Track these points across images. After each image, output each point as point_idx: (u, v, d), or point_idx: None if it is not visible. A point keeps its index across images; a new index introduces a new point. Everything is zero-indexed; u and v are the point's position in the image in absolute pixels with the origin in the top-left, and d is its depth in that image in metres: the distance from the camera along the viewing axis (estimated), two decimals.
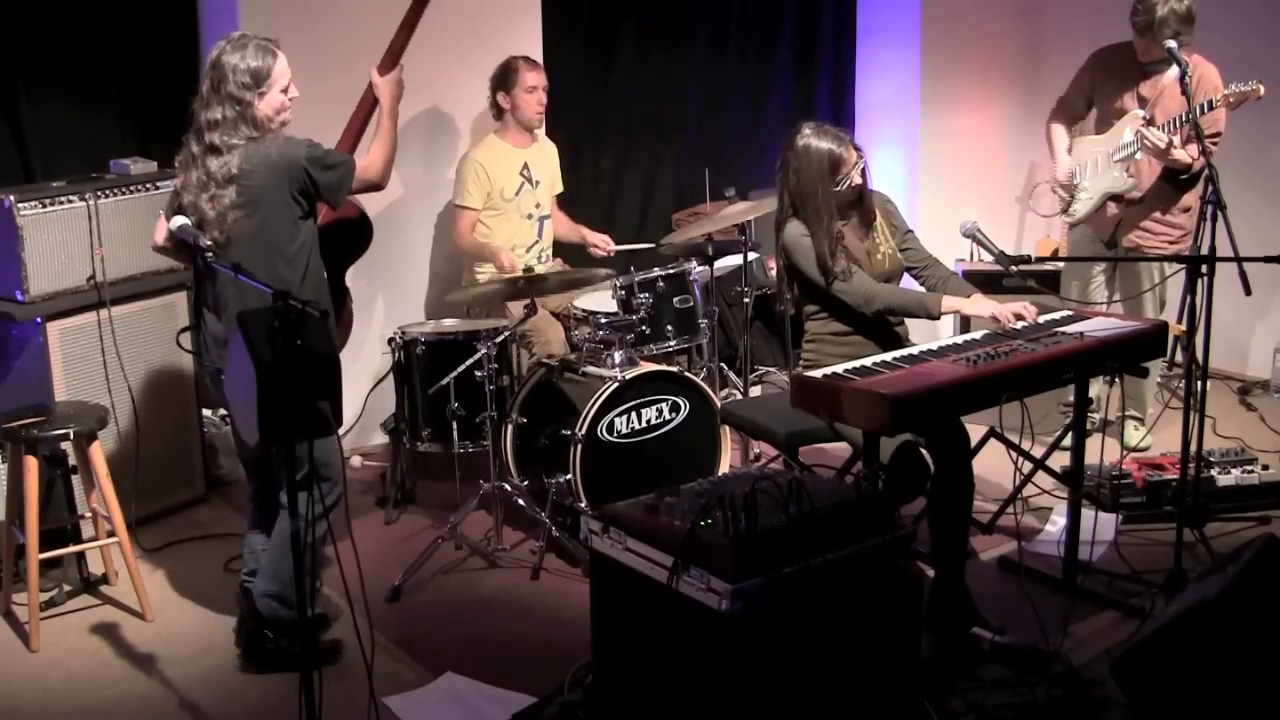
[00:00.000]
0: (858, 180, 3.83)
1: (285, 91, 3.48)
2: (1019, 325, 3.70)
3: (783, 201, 3.87)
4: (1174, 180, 4.76)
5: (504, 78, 5.01)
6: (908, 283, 4.07)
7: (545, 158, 5.18)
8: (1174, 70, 4.49)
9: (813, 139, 3.79)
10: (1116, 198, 4.88)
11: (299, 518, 2.90)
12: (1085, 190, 4.95)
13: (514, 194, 5.02)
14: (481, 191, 4.96)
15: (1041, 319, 3.81)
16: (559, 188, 5.29)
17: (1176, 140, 4.60)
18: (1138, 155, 4.75)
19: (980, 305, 3.75)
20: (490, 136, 5.09)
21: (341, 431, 2.91)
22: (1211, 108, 4.48)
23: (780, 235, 3.86)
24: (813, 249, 3.77)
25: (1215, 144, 4.62)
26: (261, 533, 3.70)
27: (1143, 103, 4.77)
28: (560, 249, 5.36)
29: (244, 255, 3.37)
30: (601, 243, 5.29)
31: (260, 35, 3.46)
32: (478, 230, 5.01)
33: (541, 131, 5.21)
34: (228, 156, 3.38)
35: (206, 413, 4.94)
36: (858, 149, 3.84)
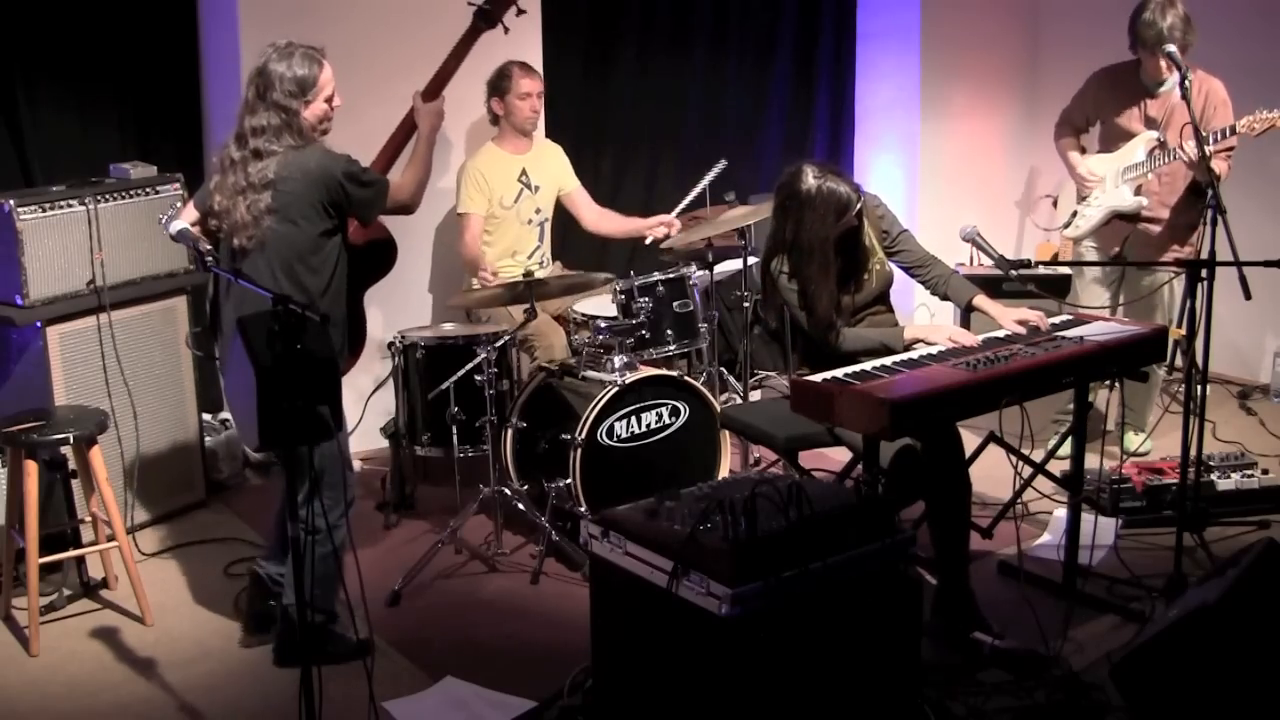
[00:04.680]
0: (855, 222, 3.71)
1: (329, 100, 3.53)
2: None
3: (777, 241, 3.75)
4: (1193, 205, 4.72)
5: (498, 83, 5.00)
6: (905, 282, 4.06)
7: (546, 161, 5.16)
8: (1176, 78, 4.48)
9: (819, 182, 3.60)
10: (1125, 216, 4.87)
11: (297, 521, 2.91)
12: (1090, 205, 4.93)
13: (513, 201, 5.02)
14: (483, 197, 4.96)
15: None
16: (568, 187, 5.23)
17: (1209, 150, 4.53)
18: (1149, 175, 4.75)
19: (938, 331, 3.72)
20: (488, 144, 5.08)
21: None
22: (1233, 133, 4.47)
23: (767, 270, 3.80)
24: (801, 305, 3.72)
25: (1230, 154, 4.62)
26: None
27: (1151, 123, 4.76)
28: (565, 249, 5.34)
29: (270, 260, 3.44)
30: (665, 224, 5.11)
31: (306, 44, 3.50)
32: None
33: (541, 134, 5.21)
34: (267, 161, 3.43)
35: (206, 417, 4.94)
36: (857, 188, 3.68)
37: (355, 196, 3.52)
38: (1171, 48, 4.35)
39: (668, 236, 5.08)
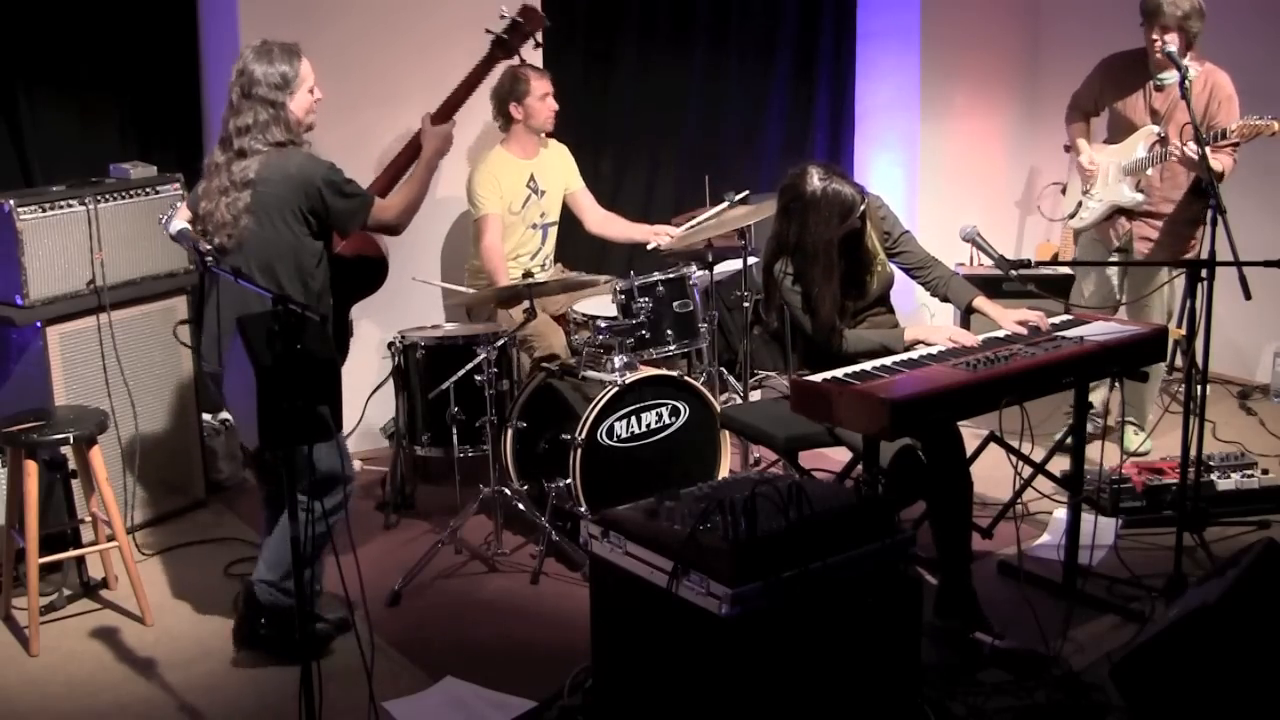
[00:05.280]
0: (858, 224, 3.70)
1: (311, 92, 3.55)
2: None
3: (780, 243, 3.73)
4: (1195, 201, 4.72)
5: (514, 88, 4.95)
6: (905, 283, 4.06)
7: (552, 165, 5.13)
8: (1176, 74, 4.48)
9: (824, 184, 3.57)
10: (1125, 212, 4.87)
11: (298, 521, 2.91)
12: (1093, 198, 4.93)
13: (520, 207, 5.01)
14: (498, 198, 4.93)
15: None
16: (573, 187, 5.22)
17: (1209, 150, 4.53)
18: (1149, 171, 4.75)
19: (938, 332, 3.72)
20: (497, 149, 5.04)
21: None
22: (1225, 137, 4.46)
23: (770, 272, 3.80)
24: (804, 308, 3.71)
25: (1235, 149, 4.63)
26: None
27: (1155, 116, 4.76)
28: (565, 250, 5.34)
29: (248, 260, 3.45)
30: (665, 232, 5.16)
31: (281, 41, 3.52)
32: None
33: (547, 136, 5.19)
34: (250, 160, 3.44)
35: (206, 417, 4.94)
36: (861, 190, 3.66)
37: (334, 206, 3.51)
38: (1171, 49, 4.34)
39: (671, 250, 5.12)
